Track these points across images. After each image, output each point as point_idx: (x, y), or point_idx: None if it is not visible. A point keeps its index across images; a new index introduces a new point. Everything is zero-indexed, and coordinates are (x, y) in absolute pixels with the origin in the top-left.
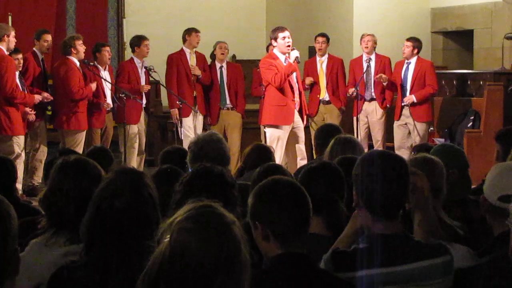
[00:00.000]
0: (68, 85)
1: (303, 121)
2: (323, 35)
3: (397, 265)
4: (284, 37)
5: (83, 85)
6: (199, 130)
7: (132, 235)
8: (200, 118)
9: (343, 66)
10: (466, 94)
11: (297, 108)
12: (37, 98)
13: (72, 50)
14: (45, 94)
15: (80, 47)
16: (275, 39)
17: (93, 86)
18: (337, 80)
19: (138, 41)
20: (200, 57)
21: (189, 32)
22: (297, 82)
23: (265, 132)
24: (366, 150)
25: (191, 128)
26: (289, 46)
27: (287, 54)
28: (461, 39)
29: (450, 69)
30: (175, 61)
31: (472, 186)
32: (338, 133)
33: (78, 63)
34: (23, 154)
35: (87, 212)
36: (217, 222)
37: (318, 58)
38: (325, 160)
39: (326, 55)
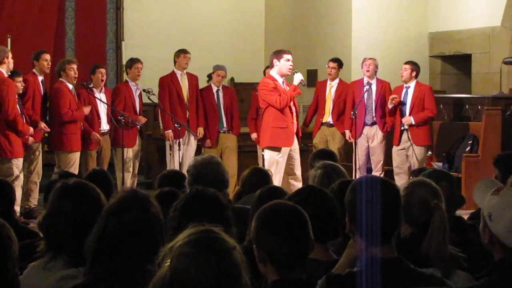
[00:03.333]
0: (57, 107)
1: (299, 143)
2: (335, 60)
3: None
4: (288, 59)
5: (74, 107)
6: (192, 153)
7: (138, 255)
8: (192, 141)
9: (352, 93)
10: (464, 119)
11: (296, 130)
12: (31, 131)
13: (62, 73)
14: (42, 125)
15: (70, 71)
16: (278, 59)
17: (86, 109)
18: (344, 106)
19: (130, 64)
20: (192, 79)
21: (178, 54)
22: (294, 104)
23: (263, 155)
24: (364, 173)
25: (181, 150)
26: (291, 68)
27: (283, 78)
28: (459, 63)
29: (448, 93)
30: (166, 83)
31: (471, 211)
32: (331, 159)
33: (71, 86)
34: (21, 176)
35: (94, 230)
36: (217, 247)
37: (328, 82)
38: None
39: (337, 80)
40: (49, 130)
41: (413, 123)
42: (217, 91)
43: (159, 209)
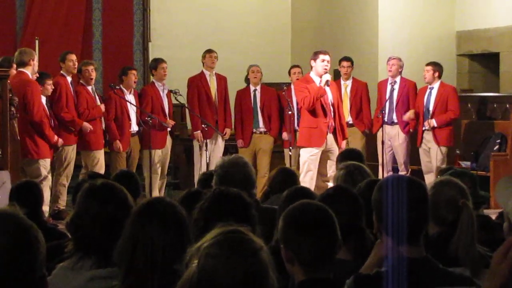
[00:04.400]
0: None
1: (339, 144)
2: (347, 59)
3: None
4: (323, 60)
5: (92, 106)
6: (220, 153)
7: (171, 260)
8: (220, 141)
9: (367, 90)
10: (492, 117)
11: (331, 130)
12: (55, 138)
13: (79, 75)
14: (60, 141)
15: (85, 72)
16: (315, 60)
17: (102, 107)
18: (361, 104)
19: (155, 65)
20: (220, 79)
21: (204, 54)
22: (333, 104)
23: (290, 155)
24: (391, 173)
25: (208, 151)
26: (326, 69)
27: (326, 79)
28: (487, 62)
29: (476, 92)
30: (195, 83)
31: (499, 210)
32: (359, 159)
33: (89, 87)
34: (49, 177)
35: (125, 236)
36: (244, 248)
37: (342, 82)
38: (341, 185)
39: (351, 79)
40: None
41: (436, 125)
42: (255, 91)
43: (186, 218)
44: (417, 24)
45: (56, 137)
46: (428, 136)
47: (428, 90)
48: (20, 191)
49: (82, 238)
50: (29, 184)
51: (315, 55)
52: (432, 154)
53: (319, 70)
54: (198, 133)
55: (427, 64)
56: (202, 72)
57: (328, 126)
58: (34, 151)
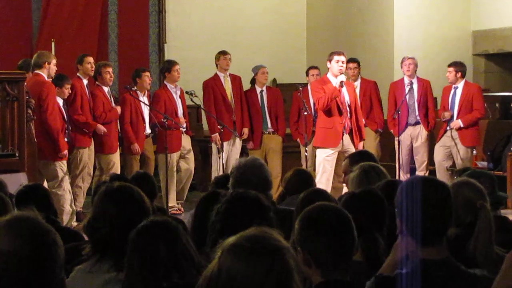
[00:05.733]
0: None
1: (355, 145)
2: (353, 60)
3: None
4: (338, 61)
5: (108, 108)
6: (237, 155)
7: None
8: (237, 142)
9: (377, 88)
10: (509, 117)
11: (347, 131)
12: (65, 153)
13: (98, 76)
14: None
15: (106, 74)
16: (330, 61)
17: (118, 109)
18: (371, 103)
19: (168, 66)
20: (235, 80)
21: (218, 56)
22: (350, 105)
23: (306, 156)
24: (408, 174)
25: (225, 152)
26: (341, 69)
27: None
28: (503, 61)
29: (493, 92)
30: (210, 86)
31: None
32: (370, 159)
33: (106, 89)
34: (67, 178)
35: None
36: (267, 245)
37: None
38: (369, 187)
39: (359, 80)
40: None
41: (462, 126)
42: (261, 92)
43: (189, 239)
44: (432, 23)
45: (65, 151)
46: (451, 134)
47: (452, 90)
48: (25, 196)
49: (99, 240)
50: (43, 190)
51: (330, 56)
52: (455, 154)
53: (334, 71)
54: (216, 135)
55: (449, 65)
56: (216, 75)
57: (344, 126)
58: (50, 153)
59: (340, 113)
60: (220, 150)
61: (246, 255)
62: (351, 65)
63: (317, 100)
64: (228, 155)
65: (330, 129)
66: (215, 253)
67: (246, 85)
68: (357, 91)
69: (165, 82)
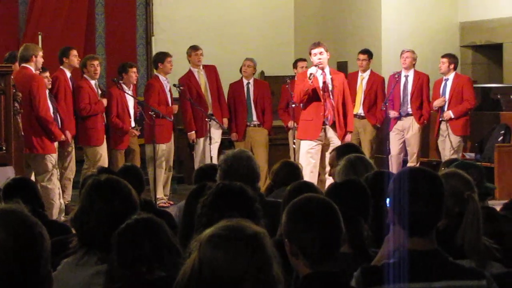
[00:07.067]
0: (76, 103)
1: (342, 137)
2: (364, 52)
3: (427, 281)
4: (315, 54)
5: (94, 101)
6: (215, 150)
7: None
8: (217, 136)
9: (384, 85)
10: (496, 108)
11: (330, 123)
12: (63, 137)
13: (84, 69)
14: (69, 136)
15: (90, 67)
16: (310, 54)
17: (104, 101)
18: (375, 98)
19: (162, 58)
20: (209, 71)
21: (189, 52)
22: (334, 95)
23: (294, 148)
24: (400, 165)
25: (201, 148)
26: (320, 61)
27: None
28: (490, 53)
29: (480, 83)
30: (186, 84)
31: (504, 201)
32: (356, 151)
33: (93, 82)
34: (56, 171)
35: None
36: (245, 235)
37: (359, 74)
38: (352, 177)
39: (368, 72)
40: (69, 142)
41: (453, 117)
42: (248, 84)
43: (171, 235)
44: (420, 15)
45: (63, 135)
46: (444, 127)
47: (443, 82)
48: (12, 189)
49: (86, 233)
50: (28, 182)
51: (309, 49)
52: (447, 144)
53: (314, 63)
54: (192, 133)
55: (443, 56)
56: (190, 71)
57: (327, 118)
58: (40, 146)
59: (323, 105)
60: (194, 147)
61: (225, 243)
62: (361, 56)
63: (294, 93)
64: (205, 150)
65: (310, 121)
66: (190, 248)
67: (234, 78)
68: (364, 82)
69: (156, 73)
